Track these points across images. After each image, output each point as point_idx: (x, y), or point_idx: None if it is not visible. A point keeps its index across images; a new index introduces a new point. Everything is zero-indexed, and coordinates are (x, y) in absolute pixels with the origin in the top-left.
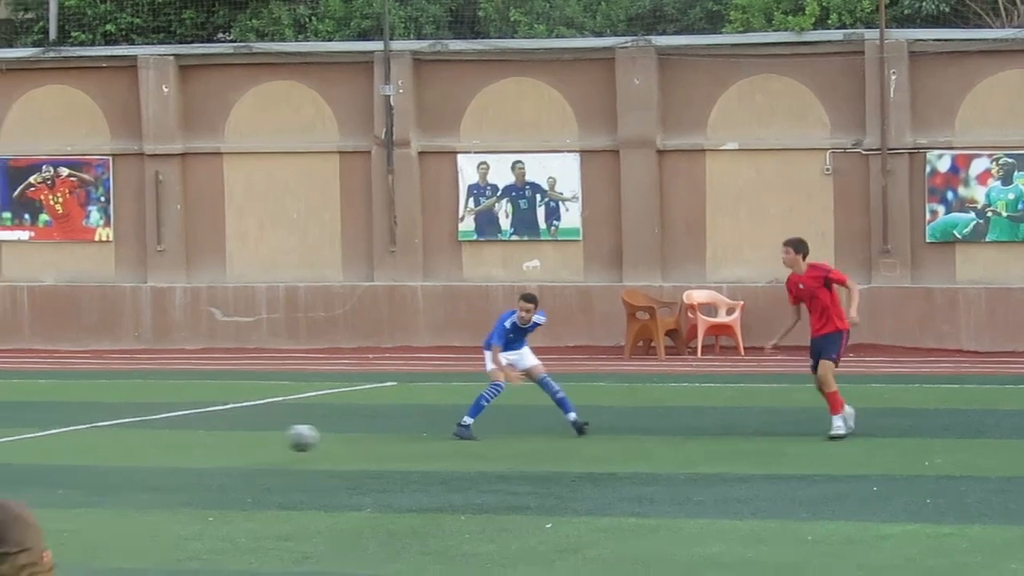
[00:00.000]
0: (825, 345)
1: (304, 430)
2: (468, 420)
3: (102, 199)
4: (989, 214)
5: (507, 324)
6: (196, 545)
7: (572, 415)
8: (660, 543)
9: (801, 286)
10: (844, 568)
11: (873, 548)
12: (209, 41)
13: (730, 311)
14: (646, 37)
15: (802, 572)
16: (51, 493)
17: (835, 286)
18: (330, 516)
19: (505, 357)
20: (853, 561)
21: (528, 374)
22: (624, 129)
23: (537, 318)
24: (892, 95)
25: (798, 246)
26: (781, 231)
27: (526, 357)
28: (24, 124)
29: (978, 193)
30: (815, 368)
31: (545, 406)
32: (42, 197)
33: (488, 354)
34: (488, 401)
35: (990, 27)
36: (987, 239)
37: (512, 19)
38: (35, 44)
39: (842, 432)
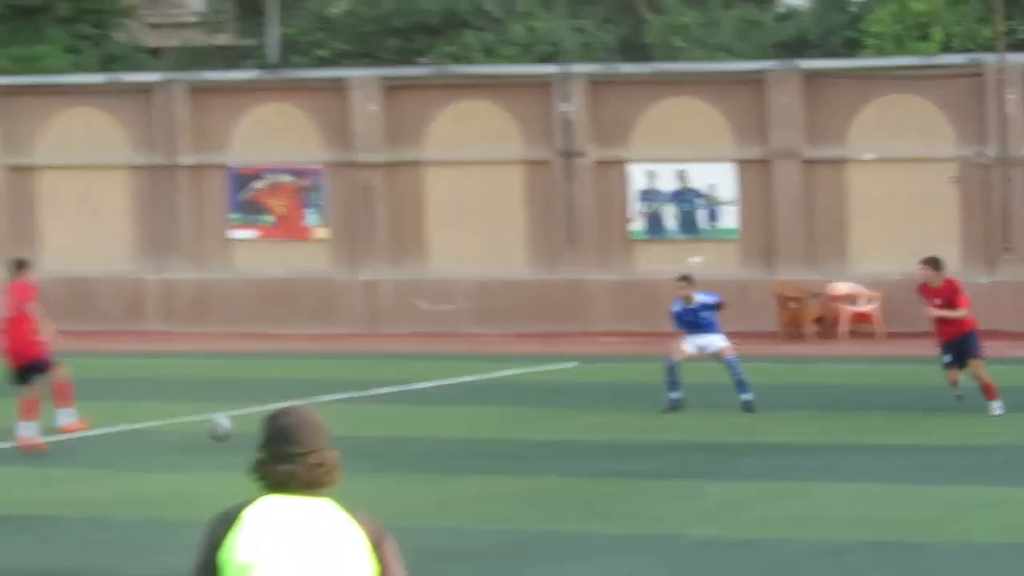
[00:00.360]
0: (967, 345)
1: (221, 421)
2: (673, 395)
3: (319, 203)
4: None
5: (675, 309)
6: (408, 505)
7: (746, 396)
8: (813, 503)
9: (937, 300)
10: (985, 526)
11: (1009, 510)
12: (410, 65)
13: (869, 301)
14: (792, 61)
15: (944, 529)
16: None
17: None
18: (527, 480)
19: (695, 341)
20: (992, 521)
21: (717, 355)
22: (774, 142)
23: (704, 298)
24: (1010, 112)
25: (936, 264)
26: (913, 232)
27: (714, 341)
28: (250, 137)
29: None
30: (953, 364)
31: (711, 384)
32: (266, 201)
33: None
34: (669, 375)
35: None
36: None
37: (675, 46)
38: (258, 67)
39: (1000, 412)
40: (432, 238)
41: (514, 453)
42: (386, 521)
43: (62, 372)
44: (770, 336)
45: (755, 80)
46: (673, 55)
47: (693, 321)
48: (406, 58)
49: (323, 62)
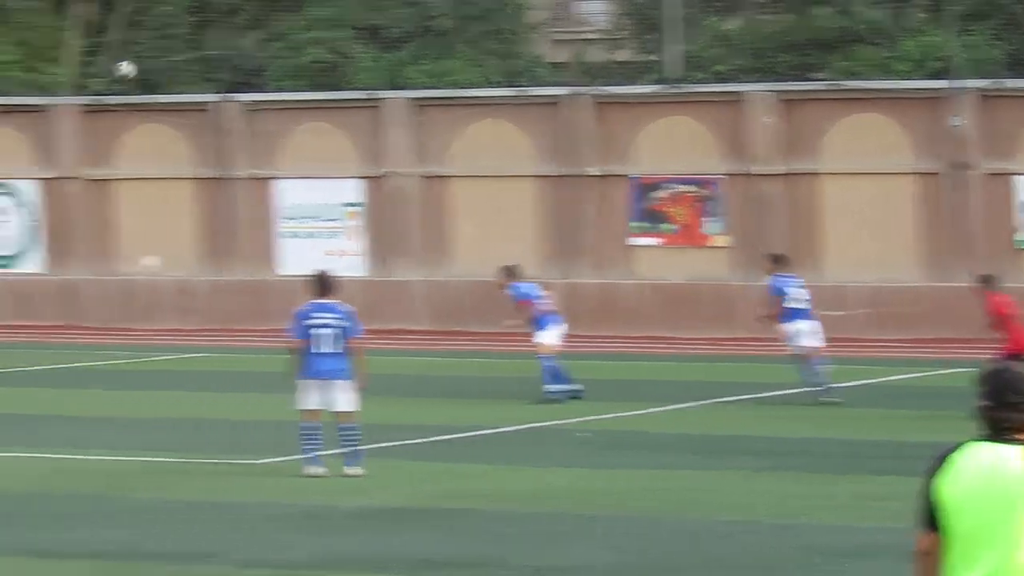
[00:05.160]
0: None
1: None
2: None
3: (717, 212)
4: None
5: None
6: (799, 503)
7: None
8: None
9: None
10: None
11: None
12: (804, 79)
13: None
14: None
15: None
16: (679, 457)
17: None
18: (913, 481)
19: None
20: None
21: None
22: None
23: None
24: None
25: None
26: None
27: None
28: (651, 148)
29: None
30: None
31: None
32: (667, 209)
33: None
34: None
35: None
36: None
37: None
38: (657, 82)
39: None
40: (827, 245)
41: (896, 454)
42: (775, 519)
43: None
44: None
45: None
46: None
47: None
48: (801, 73)
49: (721, 77)
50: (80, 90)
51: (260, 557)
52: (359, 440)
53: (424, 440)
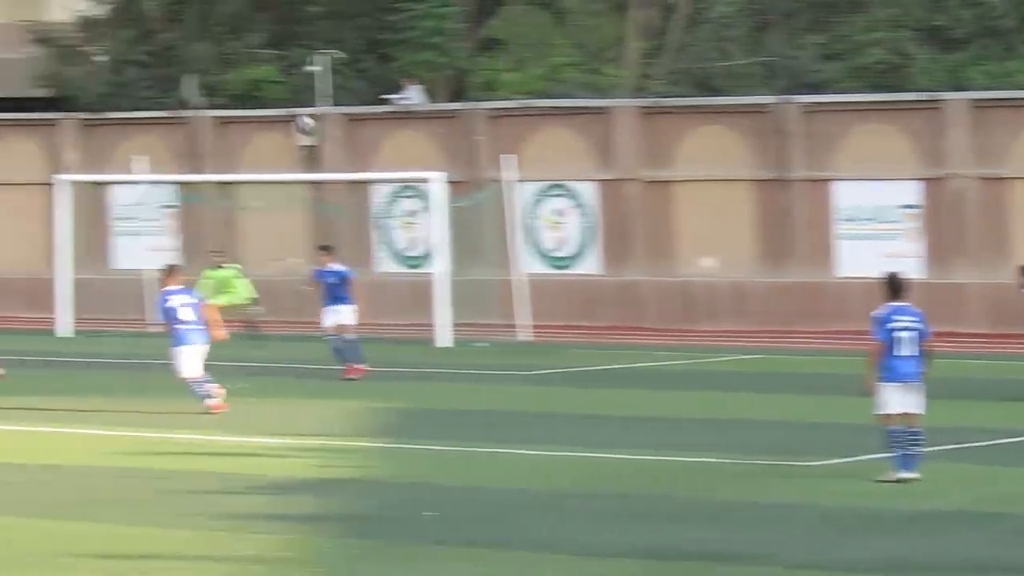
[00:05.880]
0: None
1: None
2: None
3: None
4: None
5: None
6: None
7: None
8: None
9: None
10: None
11: None
12: None
13: None
14: None
15: None
16: None
17: None
18: None
19: None
20: None
21: None
22: None
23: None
24: None
25: None
26: None
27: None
28: None
29: None
30: None
31: None
32: None
33: None
34: None
35: None
36: None
37: None
38: None
39: None
40: None
41: None
42: None
43: None
44: None
45: None
46: None
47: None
48: None
49: None
50: (639, 92)
51: (811, 559)
52: (923, 443)
53: (980, 444)
